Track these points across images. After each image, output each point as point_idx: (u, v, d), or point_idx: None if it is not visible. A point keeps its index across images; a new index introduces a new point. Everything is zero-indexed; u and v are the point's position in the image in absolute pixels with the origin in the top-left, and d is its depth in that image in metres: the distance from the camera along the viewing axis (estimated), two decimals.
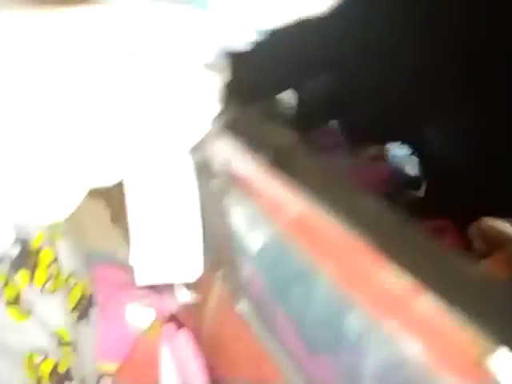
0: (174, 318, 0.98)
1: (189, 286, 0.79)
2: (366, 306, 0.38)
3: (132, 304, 1.07)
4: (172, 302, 1.01)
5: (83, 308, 0.61)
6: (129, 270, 1.28)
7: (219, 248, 0.66)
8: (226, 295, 0.69)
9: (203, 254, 0.64)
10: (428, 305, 0.32)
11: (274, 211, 0.50)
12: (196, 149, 0.54)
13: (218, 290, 0.71)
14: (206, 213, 0.60)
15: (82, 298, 0.65)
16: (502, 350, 0.27)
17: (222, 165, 0.55)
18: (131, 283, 1.23)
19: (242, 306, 0.65)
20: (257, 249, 0.56)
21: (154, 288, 1.11)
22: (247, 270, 0.61)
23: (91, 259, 1.24)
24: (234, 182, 0.55)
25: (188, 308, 0.80)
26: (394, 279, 0.34)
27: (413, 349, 0.34)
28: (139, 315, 1.07)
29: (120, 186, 0.50)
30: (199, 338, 0.77)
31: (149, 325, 1.02)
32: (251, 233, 0.57)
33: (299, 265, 0.47)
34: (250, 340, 0.66)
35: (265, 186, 0.50)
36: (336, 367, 0.44)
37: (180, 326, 0.89)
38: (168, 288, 1.03)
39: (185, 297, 0.78)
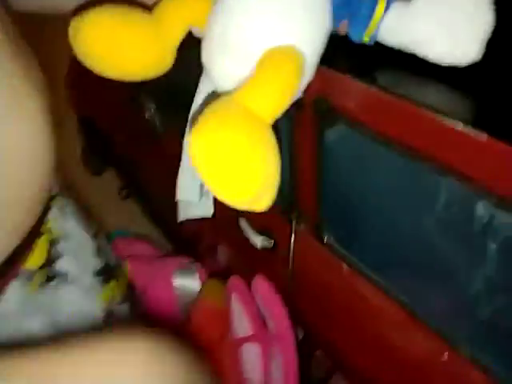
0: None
1: (264, 232, 0.76)
2: None
3: (176, 270, 1.10)
4: (213, 262, 1.03)
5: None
6: (148, 241, 1.31)
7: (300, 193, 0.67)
8: (306, 233, 0.71)
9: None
10: None
11: None
12: None
13: (294, 230, 0.73)
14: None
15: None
16: None
17: None
18: (159, 253, 1.27)
19: (327, 239, 0.67)
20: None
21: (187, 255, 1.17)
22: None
23: (110, 239, 1.29)
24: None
25: (265, 254, 0.78)
26: None
27: None
28: (185, 279, 1.10)
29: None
30: (283, 280, 0.75)
31: (201, 285, 1.07)
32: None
33: None
34: (339, 269, 0.64)
35: None
36: None
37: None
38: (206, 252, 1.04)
39: (264, 243, 0.76)
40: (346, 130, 0.54)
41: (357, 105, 0.51)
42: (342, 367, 0.78)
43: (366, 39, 0.46)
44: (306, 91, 0.48)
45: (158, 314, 1.09)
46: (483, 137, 0.40)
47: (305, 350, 0.84)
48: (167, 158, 0.78)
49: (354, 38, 0.47)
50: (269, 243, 0.78)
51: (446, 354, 0.58)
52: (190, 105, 0.57)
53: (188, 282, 1.11)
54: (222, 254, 1.03)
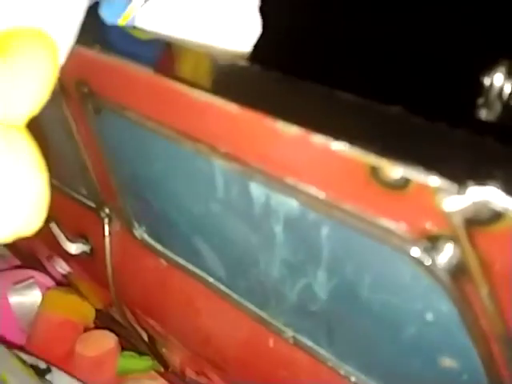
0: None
1: (78, 239, 0.68)
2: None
3: (13, 287, 1.00)
4: (53, 271, 0.95)
5: None
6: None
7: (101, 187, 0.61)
8: (120, 231, 0.65)
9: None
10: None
11: None
12: None
13: (108, 229, 0.66)
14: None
15: None
16: None
17: None
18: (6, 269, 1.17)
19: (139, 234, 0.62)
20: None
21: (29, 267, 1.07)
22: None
23: None
24: None
25: (85, 260, 0.70)
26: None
27: None
28: (23, 295, 1.00)
29: None
30: (105, 280, 0.68)
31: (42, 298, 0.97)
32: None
33: None
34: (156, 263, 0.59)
35: None
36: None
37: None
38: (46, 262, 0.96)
39: (80, 249, 0.67)
40: (112, 116, 0.47)
41: (115, 85, 0.44)
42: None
43: (121, 24, 0.43)
44: (66, 75, 0.41)
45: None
46: (233, 107, 0.35)
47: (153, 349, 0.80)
48: None
49: (108, 21, 0.43)
50: (85, 248, 0.70)
51: (271, 340, 0.55)
52: None
53: (26, 298, 1.00)
54: (57, 263, 0.94)
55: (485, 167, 0.28)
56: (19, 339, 0.99)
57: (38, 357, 0.88)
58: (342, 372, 0.49)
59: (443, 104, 0.35)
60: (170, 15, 0.42)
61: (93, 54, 0.44)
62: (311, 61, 0.41)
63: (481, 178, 0.27)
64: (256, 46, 0.43)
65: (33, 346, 0.93)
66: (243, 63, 0.38)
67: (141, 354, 0.93)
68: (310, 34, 0.51)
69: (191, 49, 0.43)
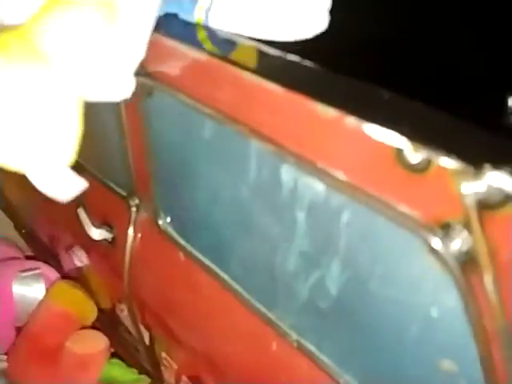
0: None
1: (104, 223, 0.71)
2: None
3: (19, 275, 1.01)
4: (67, 264, 0.97)
5: None
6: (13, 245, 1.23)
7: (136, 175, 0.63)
8: (146, 222, 0.67)
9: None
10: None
11: None
12: None
13: (134, 218, 0.69)
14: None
15: None
16: None
17: None
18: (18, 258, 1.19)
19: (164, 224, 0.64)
20: None
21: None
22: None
23: None
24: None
25: (104, 248, 0.72)
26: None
27: None
28: (27, 286, 1.01)
29: None
30: (120, 270, 0.70)
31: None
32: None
33: None
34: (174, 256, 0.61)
35: None
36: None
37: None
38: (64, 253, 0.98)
39: (103, 235, 0.70)
40: (162, 98, 0.51)
41: (168, 67, 0.48)
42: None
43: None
44: None
45: None
46: (279, 90, 0.38)
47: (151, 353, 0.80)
48: None
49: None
50: (108, 235, 0.73)
51: (275, 342, 0.56)
52: None
53: (30, 290, 1.01)
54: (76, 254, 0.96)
55: (501, 152, 0.30)
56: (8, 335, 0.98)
57: None
58: (341, 381, 0.50)
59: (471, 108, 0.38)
60: (241, 13, 0.44)
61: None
62: (357, 61, 0.45)
63: (497, 163, 0.30)
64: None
65: (27, 330, 0.93)
66: (293, 57, 0.42)
67: (129, 366, 0.92)
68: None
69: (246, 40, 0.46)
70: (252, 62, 0.43)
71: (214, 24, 0.47)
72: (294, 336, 0.54)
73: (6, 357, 0.96)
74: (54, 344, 0.89)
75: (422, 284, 0.38)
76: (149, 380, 0.89)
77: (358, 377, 0.49)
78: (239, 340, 0.61)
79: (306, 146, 0.40)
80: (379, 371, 0.47)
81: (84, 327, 0.95)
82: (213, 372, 0.67)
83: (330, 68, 0.39)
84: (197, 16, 0.47)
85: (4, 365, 0.95)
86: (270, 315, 0.55)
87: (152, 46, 0.48)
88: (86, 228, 0.73)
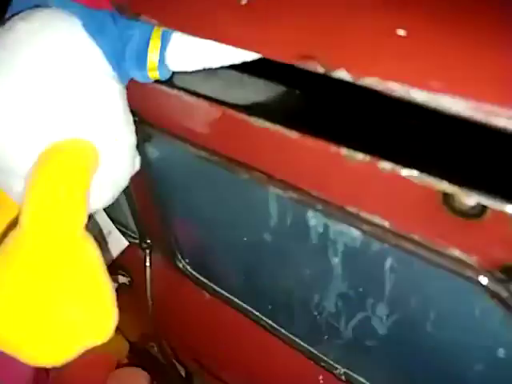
0: None
1: (117, 271, 0.68)
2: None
3: None
4: None
5: None
6: None
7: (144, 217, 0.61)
8: (161, 261, 0.64)
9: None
10: None
11: None
12: None
13: (149, 260, 0.66)
14: None
15: None
16: None
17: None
18: None
19: (181, 263, 0.61)
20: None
21: None
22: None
23: None
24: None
25: (124, 292, 0.69)
26: None
27: None
28: None
29: None
30: (144, 313, 0.67)
31: None
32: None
33: None
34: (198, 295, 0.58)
35: None
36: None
37: None
38: None
39: (120, 280, 0.67)
40: (162, 143, 0.47)
41: (165, 113, 0.44)
42: None
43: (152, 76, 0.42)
44: None
45: None
46: (295, 135, 0.34)
47: None
48: None
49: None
50: (125, 280, 0.70)
51: (321, 376, 0.53)
52: None
53: None
54: None
55: None
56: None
57: None
58: None
59: None
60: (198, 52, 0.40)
61: (142, 84, 0.45)
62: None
63: None
64: None
65: (61, 377, 0.90)
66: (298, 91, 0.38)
67: None
68: None
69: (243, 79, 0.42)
70: (256, 100, 0.39)
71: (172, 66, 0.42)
72: (342, 369, 0.51)
73: None
74: None
75: (483, 326, 0.35)
76: None
77: None
78: (281, 375, 0.58)
79: (333, 191, 0.36)
80: None
81: (120, 363, 0.92)
82: None
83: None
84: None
85: None
86: (313, 350, 0.52)
87: (146, 92, 0.44)
88: None
